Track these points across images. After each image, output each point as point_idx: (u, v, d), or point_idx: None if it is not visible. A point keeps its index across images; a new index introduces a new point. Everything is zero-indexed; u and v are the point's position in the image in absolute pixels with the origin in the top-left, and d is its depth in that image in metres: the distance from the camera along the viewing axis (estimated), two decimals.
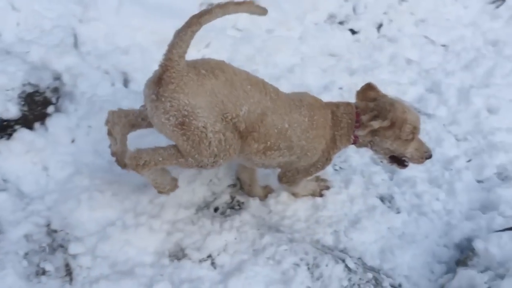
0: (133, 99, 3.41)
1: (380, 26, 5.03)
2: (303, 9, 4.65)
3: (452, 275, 2.79)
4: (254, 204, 3.15)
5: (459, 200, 3.38)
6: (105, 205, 2.92)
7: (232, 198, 3.19)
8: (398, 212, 3.27)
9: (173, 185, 2.83)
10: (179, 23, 2.45)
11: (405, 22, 5.10)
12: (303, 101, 2.74)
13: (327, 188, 3.31)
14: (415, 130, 2.77)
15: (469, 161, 3.73)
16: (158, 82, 2.38)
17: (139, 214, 2.92)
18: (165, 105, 2.37)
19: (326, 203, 3.23)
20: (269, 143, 2.63)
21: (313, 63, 4.36)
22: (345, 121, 2.78)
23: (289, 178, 2.98)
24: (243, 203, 3.17)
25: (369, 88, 2.88)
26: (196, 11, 2.44)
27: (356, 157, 3.66)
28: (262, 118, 2.55)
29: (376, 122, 2.70)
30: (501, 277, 2.53)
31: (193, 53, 3.72)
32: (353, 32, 4.87)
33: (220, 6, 2.40)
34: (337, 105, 2.85)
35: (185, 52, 2.41)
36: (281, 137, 2.65)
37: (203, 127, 2.40)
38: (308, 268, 2.83)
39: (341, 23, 4.92)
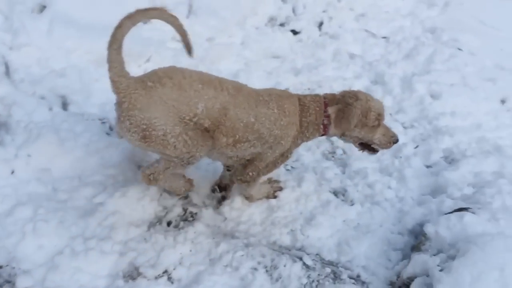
0: (73, 122, 3.32)
1: (321, 24, 5.11)
2: (242, 15, 4.68)
3: (408, 261, 2.82)
4: (207, 213, 3.12)
5: (410, 187, 3.45)
6: (51, 234, 2.82)
7: (185, 210, 3.15)
8: (352, 204, 3.31)
9: (188, 185, 3.07)
10: None
11: (345, 18, 5.21)
12: (271, 95, 2.80)
13: (280, 189, 3.32)
14: (379, 116, 2.88)
15: (416, 147, 3.81)
16: (118, 105, 2.51)
17: (88, 239, 2.84)
18: (125, 124, 2.49)
19: (281, 203, 3.24)
20: (237, 136, 2.69)
21: (257, 66, 4.38)
22: (313, 108, 2.84)
23: (250, 177, 2.97)
24: (196, 213, 3.13)
25: None
26: None
27: (307, 154, 3.69)
28: (225, 112, 2.61)
29: (340, 135, 2.90)
30: (452, 258, 2.57)
31: (134, 69, 3.67)
32: (294, 32, 4.93)
33: (128, 16, 2.43)
34: (304, 95, 2.95)
35: (121, 70, 2.47)
36: (249, 130, 2.70)
37: (163, 135, 2.49)
38: (267, 271, 2.82)
39: (282, 25, 4.97)
